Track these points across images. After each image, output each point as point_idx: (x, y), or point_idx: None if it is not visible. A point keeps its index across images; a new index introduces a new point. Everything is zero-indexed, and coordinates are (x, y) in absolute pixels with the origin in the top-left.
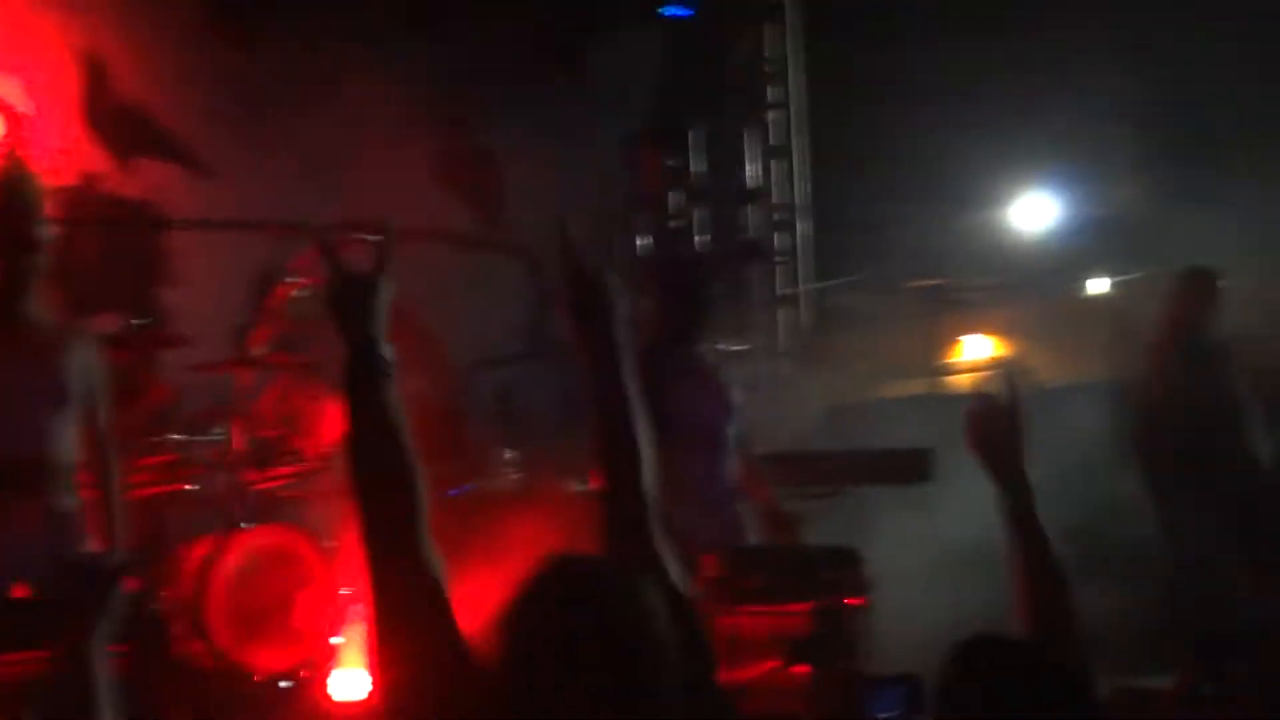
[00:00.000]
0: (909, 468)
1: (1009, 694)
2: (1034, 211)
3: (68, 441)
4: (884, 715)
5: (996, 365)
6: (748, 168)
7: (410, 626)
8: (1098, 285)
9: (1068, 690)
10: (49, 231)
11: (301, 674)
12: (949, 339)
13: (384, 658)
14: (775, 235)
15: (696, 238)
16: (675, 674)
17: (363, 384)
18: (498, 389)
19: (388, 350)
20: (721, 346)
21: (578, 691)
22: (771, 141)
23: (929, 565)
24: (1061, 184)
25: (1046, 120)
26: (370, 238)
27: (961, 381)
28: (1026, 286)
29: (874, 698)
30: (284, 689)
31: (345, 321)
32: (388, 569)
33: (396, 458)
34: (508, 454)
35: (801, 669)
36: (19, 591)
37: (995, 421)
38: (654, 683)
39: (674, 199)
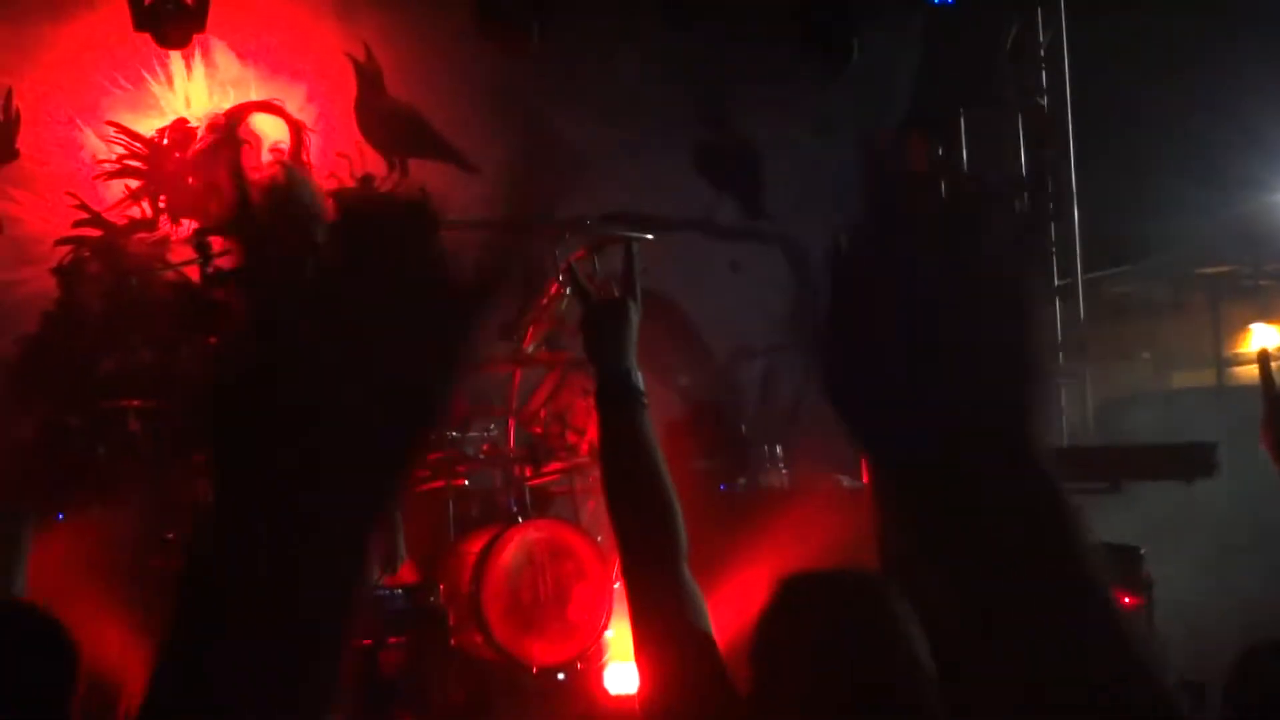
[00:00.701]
0: (1191, 461)
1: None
2: None
3: None
4: None
5: None
6: (1021, 155)
7: (669, 653)
8: None
9: None
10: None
11: (577, 666)
12: (1237, 328)
13: (643, 684)
14: (1051, 225)
15: None
16: (930, 690)
17: (616, 411)
18: (759, 380)
19: (639, 378)
20: None
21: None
22: (1043, 128)
23: (1214, 564)
24: None
25: None
26: (632, 235)
27: (1250, 372)
28: None
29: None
30: (560, 681)
31: (597, 349)
32: (647, 597)
33: (653, 485)
34: (778, 449)
35: None
36: None
37: None
38: (910, 700)
39: (944, 189)
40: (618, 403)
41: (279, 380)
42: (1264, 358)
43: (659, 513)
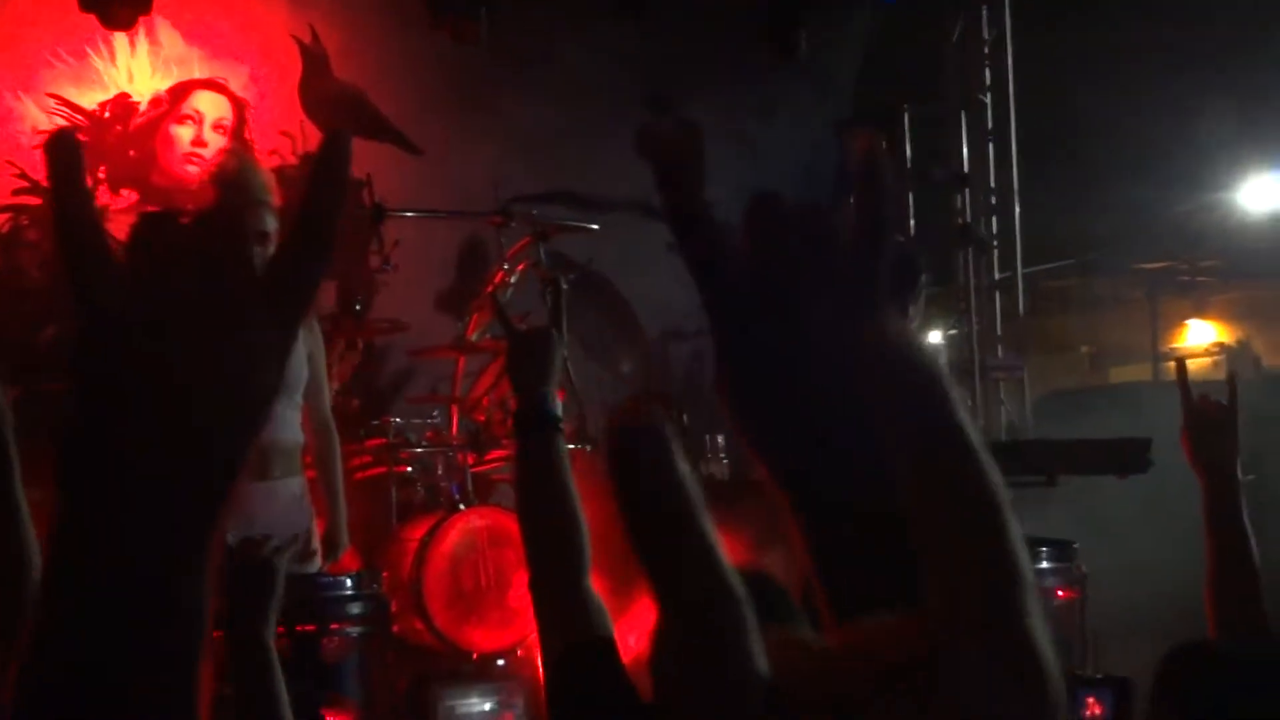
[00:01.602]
0: (1126, 457)
1: (1219, 703)
2: (1262, 193)
3: (293, 425)
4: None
5: (1222, 350)
6: (964, 151)
7: (569, 661)
8: None
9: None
10: (274, 218)
11: (517, 653)
12: (1174, 323)
13: (546, 693)
14: (994, 219)
15: (909, 221)
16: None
17: (533, 437)
18: (688, 364)
19: (558, 405)
20: (935, 333)
21: None
22: (989, 125)
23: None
24: None
25: (1275, 99)
26: (577, 223)
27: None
28: (1254, 270)
29: (1080, 698)
30: (500, 667)
31: (518, 376)
32: (552, 609)
33: (563, 508)
34: (719, 439)
35: None
36: None
37: (1211, 416)
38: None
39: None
40: (535, 429)
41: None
42: (1180, 364)
43: (567, 533)
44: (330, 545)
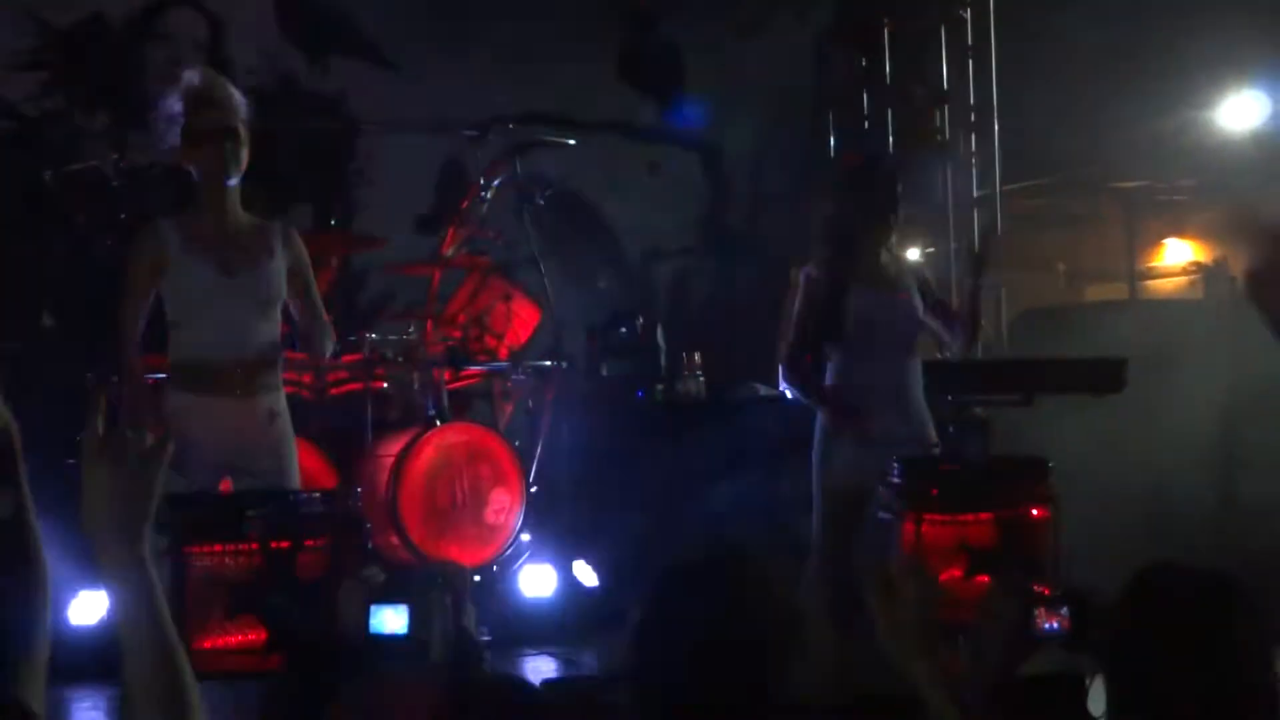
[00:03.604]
0: (1100, 377)
1: (1180, 623)
2: (1242, 111)
3: (271, 340)
4: (1050, 631)
5: (1200, 269)
6: (943, 67)
7: None
8: None
9: (1244, 624)
10: (247, 130)
11: (493, 569)
12: (1151, 242)
13: None
14: (973, 136)
15: (888, 139)
16: None
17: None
18: (671, 283)
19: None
20: (913, 250)
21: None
22: (969, 41)
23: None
24: (1272, 82)
25: (1256, 15)
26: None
27: (1164, 286)
28: (1232, 188)
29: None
30: (476, 582)
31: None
32: None
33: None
34: (695, 356)
35: (982, 579)
36: (226, 486)
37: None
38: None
39: (866, 99)
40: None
41: None
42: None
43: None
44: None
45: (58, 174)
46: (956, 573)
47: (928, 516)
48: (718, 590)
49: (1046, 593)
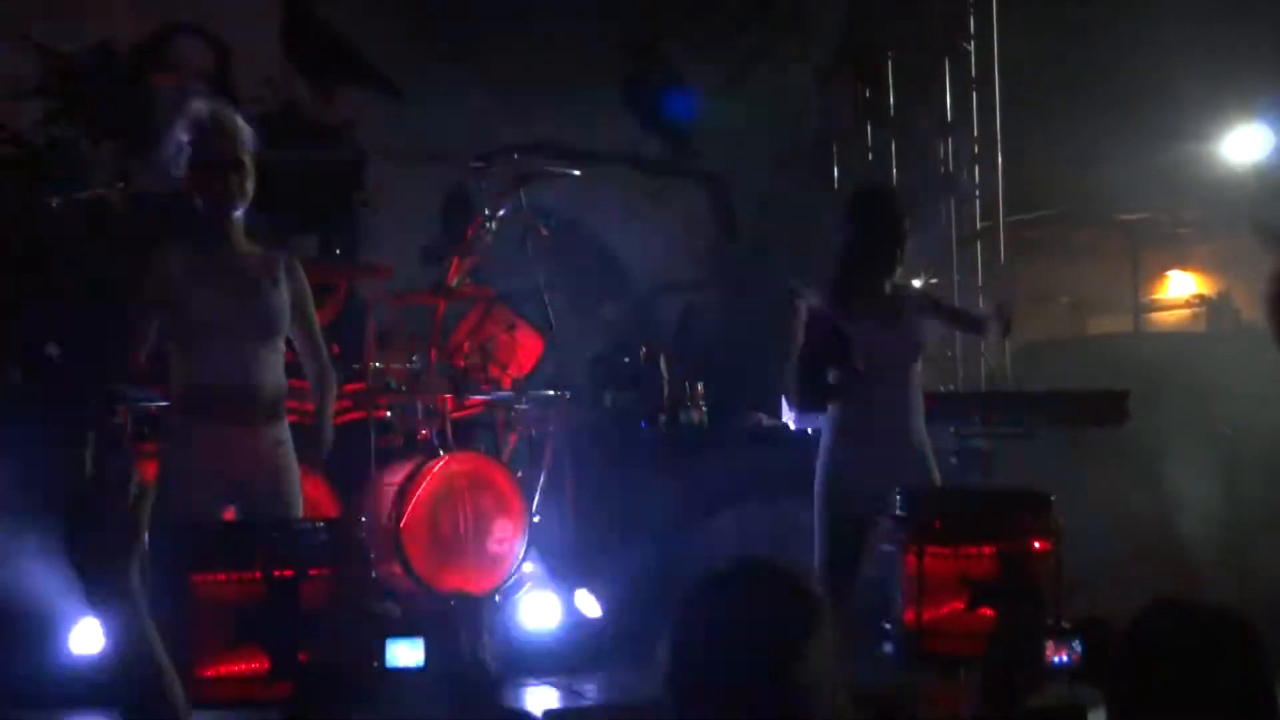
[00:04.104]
0: (1103, 408)
1: (1187, 662)
2: (1245, 144)
3: (276, 369)
4: (1060, 664)
5: (1203, 302)
6: (947, 100)
7: None
8: None
9: (1248, 663)
10: (253, 161)
11: (496, 598)
12: (1155, 274)
13: None
14: (976, 169)
15: (891, 170)
16: None
17: None
18: (679, 315)
19: None
20: (916, 281)
21: None
22: (972, 73)
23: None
24: (1275, 116)
25: (1260, 51)
26: (557, 170)
27: (1167, 318)
28: (1236, 221)
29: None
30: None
31: None
32: None
33: None
34: (699, 386)
35: (986, 612)
36: (229, 514)
37: None
38: None
39: (868, 130)
40: None
41: None
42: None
43: None
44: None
45: (63, 201)
46: (959, 605)
47: (930, 549)
48: (750, 594)
49: (1058, 625)
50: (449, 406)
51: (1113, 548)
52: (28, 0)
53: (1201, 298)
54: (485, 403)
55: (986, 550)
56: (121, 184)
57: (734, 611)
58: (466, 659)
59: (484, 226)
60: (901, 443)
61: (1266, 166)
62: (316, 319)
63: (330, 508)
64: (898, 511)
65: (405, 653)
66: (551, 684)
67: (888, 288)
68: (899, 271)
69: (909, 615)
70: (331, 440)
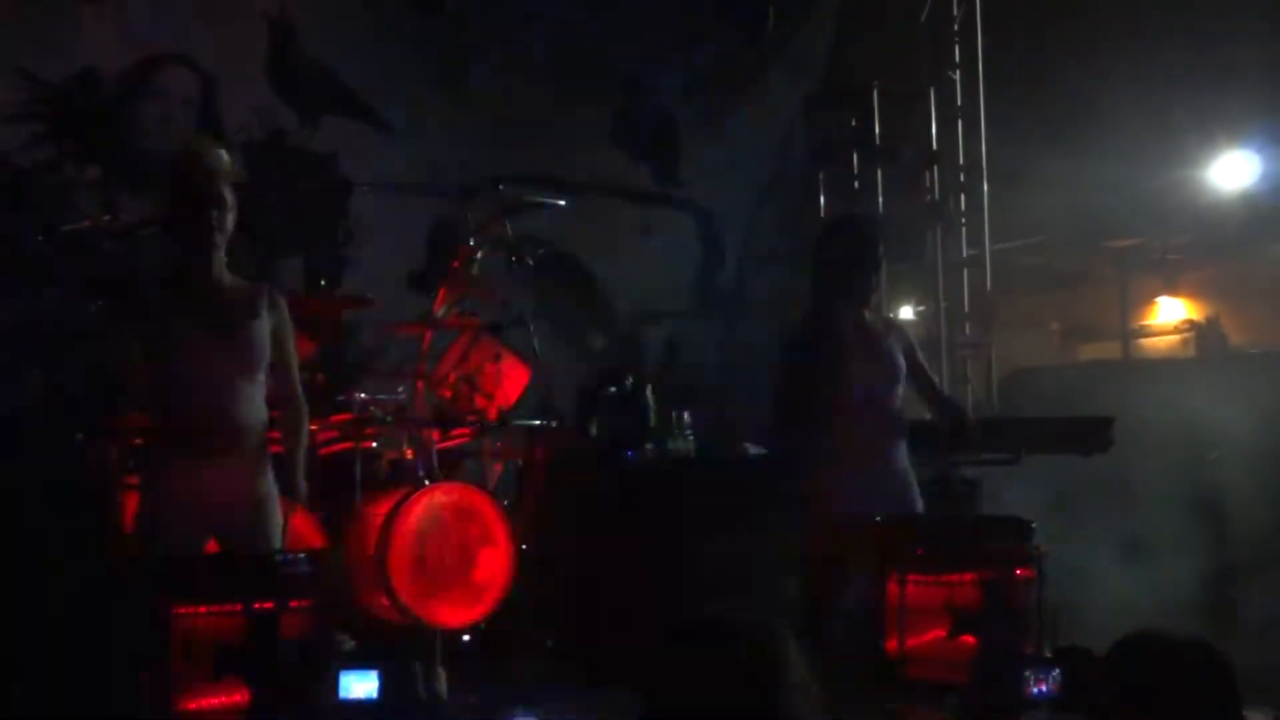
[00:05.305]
0: (1088, 436)
1: (1162, 691)
2: (1233, 170)
3: (257, 403)
4: (1038, 693)
5: (1192, 327)
6: (933, 127)
7: None
8: None
9: (1220, 691)
10: (236, 193)
11: (481, 628)
12: (1144, 300)
13: None
14: (962, 196)
15: (878, 199)
16: None
17: None
18: (664, 346)
19: None
20: (904, 309)
21: None
22: (958, 102)
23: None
24: (1262, 143)
25: (1247, 78)
26: (545, 199)
27: (1157, 344)
28: (1224, 247)
29: (1030, 675)
30: (465, 641)
31: None
32: None
33: None
34: (685, 416)
35: (967, 639)
36: (213, 547)
37: None
38: None
39: (855, 159)
40: None
41: None
42: None
43: None
44: (288, 494)
45: (49, 233)
46: (940, 633)
47: (911, 577)
48: (726, 659)
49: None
50: (435, 436)
51: (1096, 576)
52: (16, 27)
53: (1191, 323)
54: (471, 433)
55: (968, 578)
56: (108, 216)
57: (701, 685)
58: (420, 691)
59: (470, 256)
60: (884, 470)
61: (1254, 193)
62: (295, 355)
63: (315, 539)
64: (878, 540)
65: (359, 685)
66: (535, 715)
67: (868, 316)
68: (878, 299)
69: (890, 643)
70: (304, 488)
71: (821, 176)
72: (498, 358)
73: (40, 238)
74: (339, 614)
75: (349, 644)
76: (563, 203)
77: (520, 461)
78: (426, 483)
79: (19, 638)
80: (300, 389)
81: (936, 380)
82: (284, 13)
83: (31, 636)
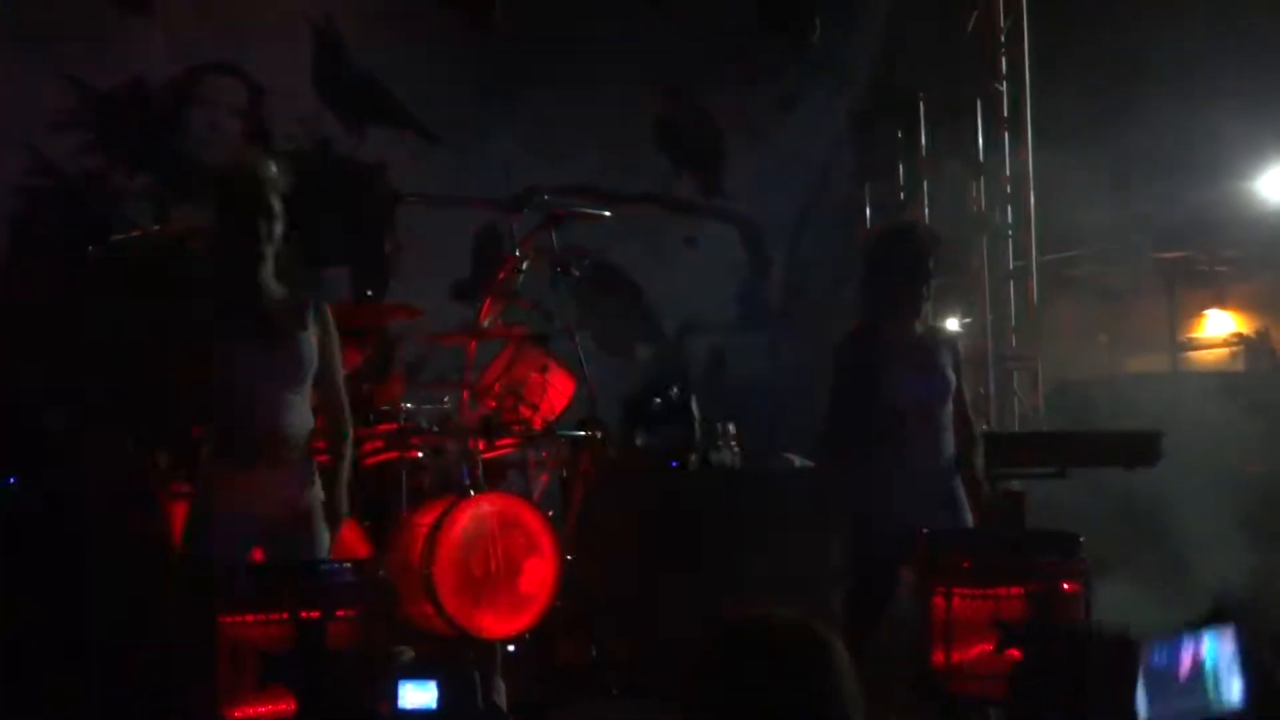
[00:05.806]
0: (1136, 450)
1: (760, 677)
2: None
3: (303, 412)
4: None
5: (1241, 341)
6: (979, 139)
7: None
8: None
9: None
10: (284, 203)
11: (527, 638)
12: (1193, 313)
13: None
14: (1009, 208)
15: (924, 209)
16: None
17: None
18: (709, 356)
19: None
20: (951, 321)
21: None
22: (1004, 113)
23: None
24: None
25: None
26: (590, 210)
27: (1205, 358)
28: (1273, 261)
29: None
30: (510, 652)
31: None
32: None
33: None
34: (730, 426)
35: (1014, 653)
36: (259, 555)
37: None
38: None
39: (902, 171)
40: None
41: None
42: None
43: None
44: (329, 517)
45: (98, 241)
46: (987, 647)
47: (958, 590)
48: (773, 655)
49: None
50: (480, 446)
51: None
52: (66, 37)
53: (1239, 336)
54: (516, 443)
55: (1015, 591)
56: (157, 226)
57: (750, 680)
58: (479, 702)
59: (516, 267)
60: (933, 484)
61: None
62: (341, 366)
63: (361, 548)
64: (925, 552)
65: (418, 695)
66: None
67: (918, 328)
68: (927, 311)
69: (937, 657)
70: (343, 509)
71: (867, 187)
72: (544, 369)
73: (90, 246)
74: (394, 624)
75: (408, 654)
76: (607, 214)
77: (565, 472)
78: (472, 493)
79: (69, 646)
80: (346, 402)
81: (968, 401)
82: (330, 22)
83: (81, 644)
